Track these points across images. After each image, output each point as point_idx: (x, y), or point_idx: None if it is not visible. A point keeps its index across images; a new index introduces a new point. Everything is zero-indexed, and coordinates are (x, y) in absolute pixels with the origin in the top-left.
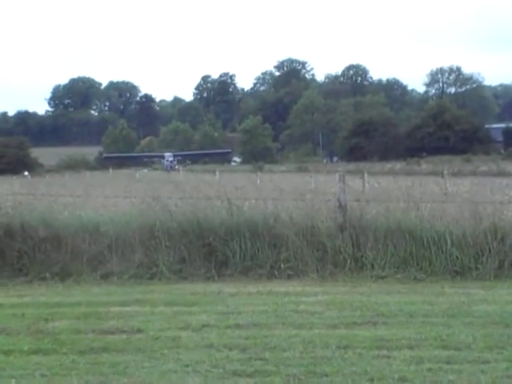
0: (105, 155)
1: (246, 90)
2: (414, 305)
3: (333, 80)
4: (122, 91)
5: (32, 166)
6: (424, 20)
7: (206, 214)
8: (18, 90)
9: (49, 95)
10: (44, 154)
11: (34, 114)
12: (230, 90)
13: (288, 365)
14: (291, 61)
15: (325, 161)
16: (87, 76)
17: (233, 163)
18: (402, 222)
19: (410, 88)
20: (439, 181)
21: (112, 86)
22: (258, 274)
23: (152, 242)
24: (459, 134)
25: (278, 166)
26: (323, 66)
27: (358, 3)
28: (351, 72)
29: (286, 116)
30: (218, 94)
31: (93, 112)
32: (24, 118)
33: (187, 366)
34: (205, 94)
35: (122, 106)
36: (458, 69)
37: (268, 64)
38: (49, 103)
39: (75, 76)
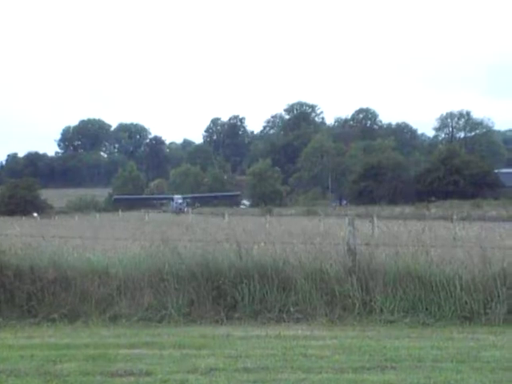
0: (115, 197)
1: (255, 132)
2: (422, 349)
3: (342, 123)
4: (132, 133)
5: (41, 208)
6: (434, 65)
7: (215, 256)
8: (28, 131)
9: (59, 136)
10: (53, 196)
11: (44, 156)
12: (240, 132)
13: None
14: (301, 104)
15: (334, 204)
16: (97, 118)
17: (242, 206)
18: (412, 266)
19: (419, 132)
20: (448, 225)
21: (122, 127)
22: (266, 317)
23: (161, 285)
24: (468, 179)
25: (287, 209)
26: (333, 110)
27: (368, 48)
28: (361, 116)
29: (296, 159)
30: (227, 137)
31: (102, 154)
32: (34, 159)
33: None
34: (214, 137)
35: (131, 148)
36: (468, 113)
37: (278, 107)
38: (58, 145)
39: (85, 118)
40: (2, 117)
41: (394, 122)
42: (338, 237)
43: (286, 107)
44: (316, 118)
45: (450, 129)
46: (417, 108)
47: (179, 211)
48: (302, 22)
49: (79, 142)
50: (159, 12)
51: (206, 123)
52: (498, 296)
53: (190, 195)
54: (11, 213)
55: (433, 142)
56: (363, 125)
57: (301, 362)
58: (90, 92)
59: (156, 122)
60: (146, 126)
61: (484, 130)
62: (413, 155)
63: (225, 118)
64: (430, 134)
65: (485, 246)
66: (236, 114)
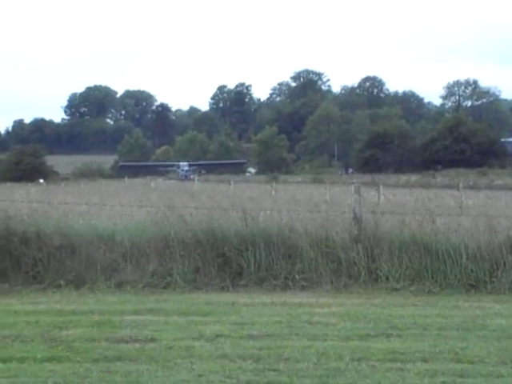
0: (120, 164)
1: (261, 100)
2: (428, 318)
3: (349, 91)
4: (138, 100)
5: (47, 174)
6: (441, 33)
7: (221, 224)
8: (34, 97)
9: (65, 103)
10: (59, 162)
11: (50, 122)
12: (246, 100)
13: (301, 376)
14: (308, 72)
15: (340, 172)
16: (103, 84)
17: (248, 174)
18: (417, 234)
19: (426, 101)
20: (454, 194)
21: (128, 94)
22: (272, 284)
23: (166, 252)
24: (475, 148)
25: (293, 176)
26: (339, 78)
27: (375, 16)
28: (367, 84)
29: (302, 127)
30: (233, 105)
31: (108, 120)
32: (40, 125)
33: (200, 376)
34: (221, 104)
35: (137, 115)
36: (475, 82)
37: (284, 75)
38: (65, 111)
39: (91, 84)
40: (7, 83)
41: (400, 91)
42: (343, 205)
43: (292, 75)
44: (322, 86)
45: (457, 97)
46: (423, 76)
47: (185, 178)
48: None
49: (85, 109)
50: None
51: (213, 90)
52: (504, 264)
53: (196, 162)
54: (17, 179)
55: (439, 111)
56: (370, 93)
57: (306, 329)
58: (97, 59)
59: (162, 89)
60: (153, 93)
61: (491, 99)
62: (419, 124)
63: (231, 86)
64: (437, 102)
65: (491, 215)
66: (242, 81)
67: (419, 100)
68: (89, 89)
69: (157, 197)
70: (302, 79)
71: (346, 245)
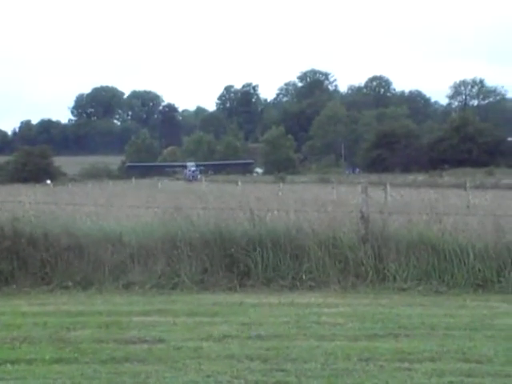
0: (128, 164)
1: (268, 100)
2: (435, 317)
3: (356, 91)
4: (145, 101)
5: (54, 175)
6: (447, 32)
7: (229, 224)
8: (41, 98)
9: (72, 104)
10: (66, 163)
11: (57, 123)
12: (253, 100)
13: (309, 376)
14: (314, 72)
15: (347, 172)
16: (110, 85)
17: (255, 174)
18: (425, 234)
19: (432, 100)
20: (462, 193)
21: (135, 95)
22: (279, 285)
23: (174, 252)
24: (482, 147)
25: (300, 176)
26: (346, 78)
27: (381, 15)
28: (374, 83)
29: (309, 127)
30: (240, 105)
31: (115, 121)
32: (47, 126)
33: (209, 376)
34: (228, 105)
35: (144, 116)
36: (481, 81)
37: (291, 75)
38: (72, 112)
39: (98, 85)
40: (15, 84)
41: (407, 90)
42: (351, 205)
43: (299, 75)
44: (329, 86)
45: (464, 97)
46: (430, 76)
47: (192, 179)
48: None
49: (92, 110)
50: None
51: (219, 91)
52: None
53: (203, 163)
54: (24, 180)
55: (446, 110)
56: (376, 93)
57: (314, 329)
58: (103, 60)
59: (169, 90)
60: (159, 94)
61: (497, 98)
62: (426, 123)
63: (238, 86)
64: (444, 101)
65: (498, 214)
66: (249, 81)
67: (426, 99)
68: (96, 90)
69: (164, 197)
70: (308, 79)
71: (353, 245)
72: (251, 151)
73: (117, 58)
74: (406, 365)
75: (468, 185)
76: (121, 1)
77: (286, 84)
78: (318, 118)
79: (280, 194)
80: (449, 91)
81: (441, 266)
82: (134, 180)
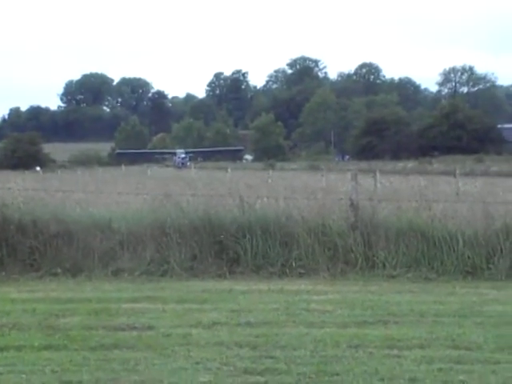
0: (117, 151)
1: (258, 87)
2: (425, 304)
3: (345, 78)
4: (135, 87)
5: (44, 162)
6: (437, 19)
7: (218, 211)
8: (30, 85)
9: (61, 91)
10: (56, 150)
11: (47, 110)
12: (243, 87)
13: (298, 363)
14: (304, 59)
15: (336, 159)
16: (99, 72)
17: (244, 161)
18: (414, 221)
19: (422, 87)
20: (451, 180)
21: (124, 82)
22: (269, 272)
23: (163, 239)
24: (471, 134)
25: (289, 163)
26: (336, 65)
27: (371, 2)
28: (364, 70)
29: (299, 114)
30: (230, 92)
31: (105, 108)
32: (36, 113)
33: (198, 363)
34: (217, 91)
35: (134, 103)
36: (471, 68)
37: (281, 62)
38: (61, 99)
39: (87, 72)
40: (3, 71)
41: (396, 77)
42: (340, 192)
43: (288, 62)
44: (319, 73)
45: (453, 84)
46: (420, 63)
47: (182, 166)
48: None
49: (82, 97)
50: None
51: (209, 77)
52: (501, 251)
53: (192, 150)
54: (14, 167)
55: (436, 97)
56: (366, 79)
57: (303, 316)
58: (93, 46)
59: (159, 77)
60: (149, 81)
61: (487, 85)
62: (416, 110)
63: (228, 73)
64: (433, 88)
65: (487, 201)
66: (239, 68)
67: (416, 86)
68: (85, 76)
69: (153, 184)
70: (298, 66)
71: (342, 232)
72: (241, 138)
73: (106, 44)
74: (396, 352)
75: (458, 172)
76: None
77: (275, 71)
78: (308, 105)
79: (269, 181)
80: (439, 78)
81: (430, 253)
82: (123, 167)
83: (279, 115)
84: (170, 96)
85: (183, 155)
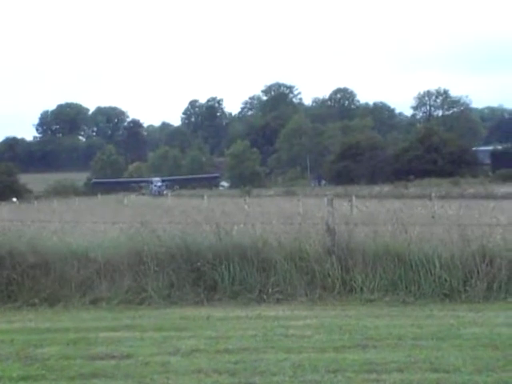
0: (94, 180)
1: (233, 114)
2: (403, 328)
3: (320, 104)
4: (110, 117)
5: (20, 192)
6: (411, 44)
7: (195, 238)
8: (5, 116)
9: (37, 121)
10: (32, 180)
11: (22, 141)
12: (218, 114)
13: None
14: (279, 85)
15: (312, 184)
16: (75, 102)
17: (221, 188)
18: (391, 245)
19: (397, 111)
20: (427, 204)
21: (100, 111)
22: (246, 298)
23: (141, 267)
24: (447, 157)
25: (265, 190)
26: (311, 90)
27: (344, 28)
28: (338, 96)
29: (274, 140)
30: (205, 119)
31: (81, 138)
32: (12, 144)
33: None
34: (192, 119)
35: (109, 132)
36: (445, 92)
37: (255, 88)
38: (37, 129)
39: (63, 102)
40: None
41: (371, 102)
42: (317, 217)
43: (263, 88)
44: (294, 99)
45: (428, 107)
46: (394, 87)
47: (158, 194)
48: (279, 3)
49: (57, 127)
50: None
51: (184, 105)
52: (478, 273)
53: (169, 178)
54: None
55: (411, 121)
56: (341, 105)
57: (282, 342)
58: (68, 76)
59: (134, 106)
60: (124, 110)
61: (462, 108)
62: (391, 134)
63: (203, 100)
64: (408, 112)
65: (463, 224)
66: (214, 95)
67: (390, 111)
68: (60, 106)
69: (130, 213)
70: (273, 92)
71: (319, 257)
72: (217, 165)
73: (81, 74)
74: (374, 376)
75: (433, 195)
76: (84, 17)
77: (250, 98)
78: (283, 131)
79: (246, 207)
80: (413, 102)
81: (407, 277)
82: (99, 196)
83: (255, 142)
84: (145, 124)
85: (159, 183)
